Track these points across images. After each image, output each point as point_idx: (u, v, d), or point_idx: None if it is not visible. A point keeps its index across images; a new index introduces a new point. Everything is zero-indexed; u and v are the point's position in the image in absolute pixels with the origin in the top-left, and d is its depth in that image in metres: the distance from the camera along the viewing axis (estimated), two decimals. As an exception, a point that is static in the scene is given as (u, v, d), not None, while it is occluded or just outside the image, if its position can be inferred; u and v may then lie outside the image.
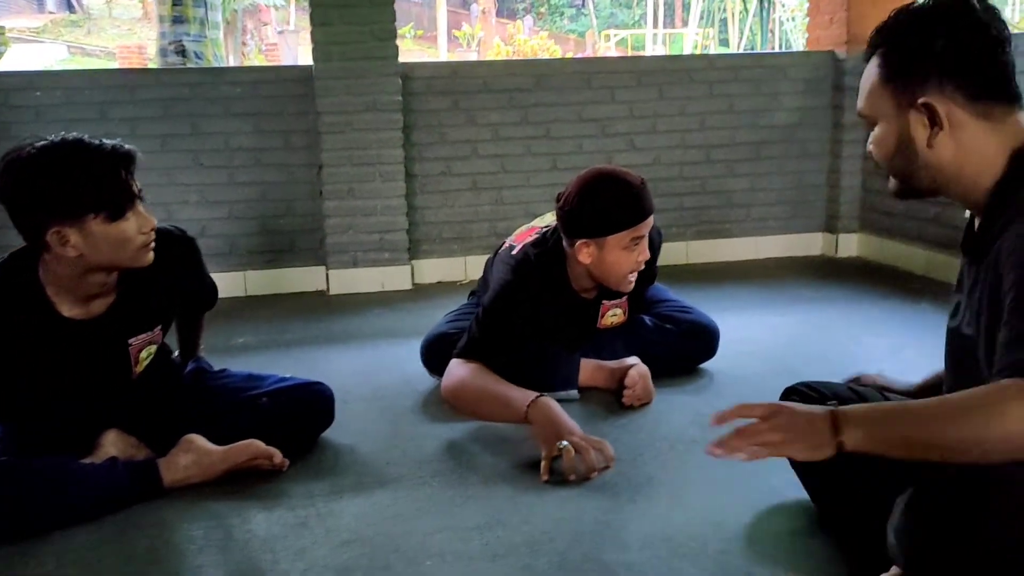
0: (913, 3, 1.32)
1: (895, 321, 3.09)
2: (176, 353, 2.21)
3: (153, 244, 1.83)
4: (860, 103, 1.38)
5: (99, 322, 1.88)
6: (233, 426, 1.99)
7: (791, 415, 1.21)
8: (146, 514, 1.81)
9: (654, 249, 2.47)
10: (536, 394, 2.04)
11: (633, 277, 2.36)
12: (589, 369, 2.45)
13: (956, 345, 1.37)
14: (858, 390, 1.67)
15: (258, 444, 1.94)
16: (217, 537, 1.72)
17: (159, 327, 2.00)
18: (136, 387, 1.98)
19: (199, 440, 1.93)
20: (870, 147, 1.40)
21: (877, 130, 1.36)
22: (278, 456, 1.95)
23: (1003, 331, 1.15)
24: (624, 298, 2.50)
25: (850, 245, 4.24)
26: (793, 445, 1.19)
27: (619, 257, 2.28)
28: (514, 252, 2.42)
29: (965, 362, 1.32)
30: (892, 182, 1.40)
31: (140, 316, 1.94)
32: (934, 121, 1.28)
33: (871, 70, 1.35)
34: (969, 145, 1.28)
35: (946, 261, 3.62)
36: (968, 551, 1.11)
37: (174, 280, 1.99)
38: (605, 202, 2.24)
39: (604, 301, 2.48)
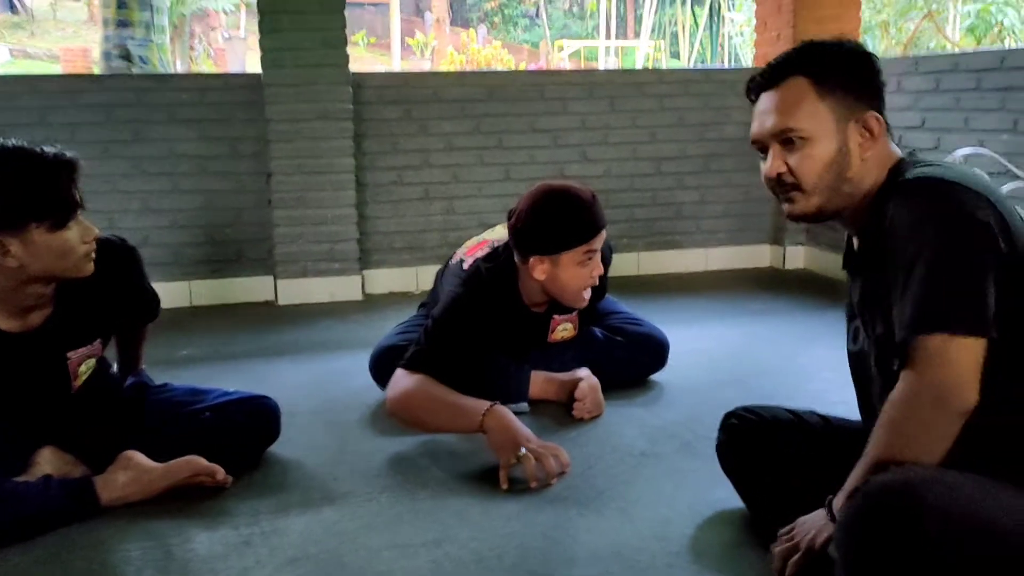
0: (810, 44, 1.45)
1: (838, 332, 3.12)
2: (115, 367, 2.15)
3: (94, 254, 1.78)
4: (787, 121, 1.40)
5: (36, 335, 1.82)
6: (174, 442, 1.94)
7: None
8: (82, 534, 1.75)
9: (605, 262, 2.48)
10: (490, 403, 2.04)
11: (587, 293, 2.36)
12: (539, 382, 2.45)
13: (863, 366, 1.46)
14: (796, 412, 1.71)
15: (200, 460, 1.90)
16: (156, 557, 1.67)
17: (99, 340, 1.94)
18: (75, 402, 1.92)
19: (138, 457, 1.88)
20: (783, 167, 1.41)
21: (809, 146, 1.38)
22: (221, 473, 1.91)
23: (901, 299, 1.26)
24: (575, 312, 2.49)
25: (796, 257, 4.31)
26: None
27: (574, 273, 2.28)
28: (465, 266, 2.41)
29: (872, 380, 1.43)
30: (803, 204, 1.42)
31: (79, 329, 1.89)
32: (872, 133, 1.39)
33: (799, 91, 1.40)
34: (878, 159, 1.40)
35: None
36: (906, 554, 1.12)
37: (115, 291, 1.94)
38: (558, 218, 2.23)
39: (555, 316, 2.47)
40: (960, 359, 1.22)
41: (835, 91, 1.39)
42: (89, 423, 1.94)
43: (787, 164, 1.41)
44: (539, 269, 2.27)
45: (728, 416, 1.76)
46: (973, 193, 1.27)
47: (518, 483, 1.93)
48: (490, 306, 2.32)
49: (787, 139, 1.40)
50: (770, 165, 1.43)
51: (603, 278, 2.54)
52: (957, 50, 8.66)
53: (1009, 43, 12.86)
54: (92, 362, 1.93)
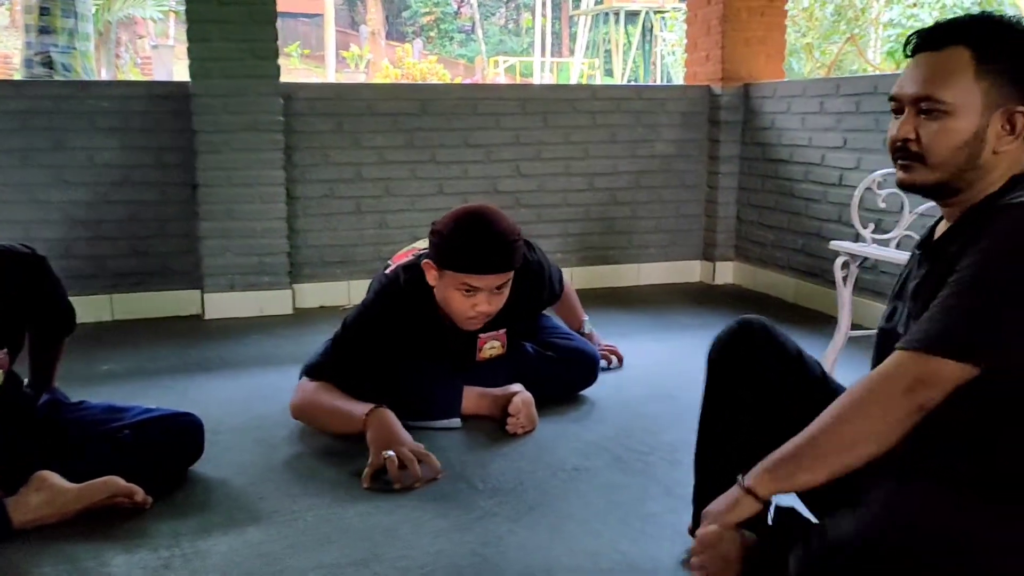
0: (994, 15, 1.36)
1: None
2: (27, 383, 2.06)
3: None
4: (933, 89, 1.33)
5: None
6: (91, 462, 1.87)
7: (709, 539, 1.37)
8: (-9, 559, 1.67)
9: (543, 285, 2.49)
10: (374, 405, 2.11)
11: (474, 322, 2.32)
12: (472, 397, 2.43)
13: (887, 345, 1.39)
14: (804, 353, 1.62)
15: (117, 481, 1.83)
16: (70, 583, 1.60)
17: (5, 350, 1.87)
18: None
19: (52, 477, 1.80)
20: (912, 134, 1.36)
21: (948, 121, 1.33)
22: (140, 493, 1.84)
23: (936, 303, 1.25)
24: (503, 331, 2.47)
25: (726, 273, 4.39)
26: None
27: (451, 294, 2.26)
28: (387, 272, 2.40)
29: None
30: (923, 174, 1.37)
31: None
32: (1012, 129, 1.33)
33: (958, 62, 1.32)
34: (1012, 157, 1.35)
35: (814, 290, 3.79)
36: (855, 563, 1.14)
37: (21, 300, 1.87)
38: (457, 236, 2.20)
39: (480, 334, 2.44)
40: (951, 377, 1.23)
41: (994, 74, 1.32)
42: (0, 442, 1.85)
43: (918, 132, 1.35)
44: (430, 274, 2.27)
45: (742, 319, 1.64)
46: None
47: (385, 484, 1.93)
48: (404, 315, 2.31)
49: (928, 108, 1.34)
50: (900, 129, 1.37)
51: (538, 298, 2.55)
52: (877, 72, 8.99)
53: None
54: (0, 373, 1.85)
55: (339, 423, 2.20)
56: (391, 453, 1.98)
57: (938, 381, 1.23)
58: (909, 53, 1.39)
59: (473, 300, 2.25)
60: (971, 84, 1.32)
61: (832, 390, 1.55)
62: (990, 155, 1.34)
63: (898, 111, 1.39)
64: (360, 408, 2.14)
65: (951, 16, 1.44)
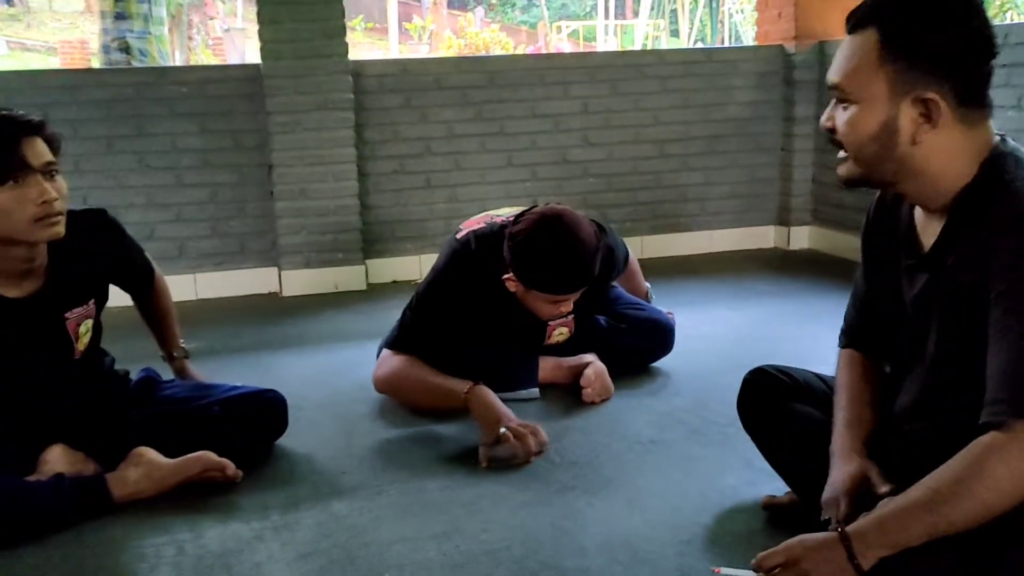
0: None
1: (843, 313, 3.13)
2: (119, 366, 2.14)
3: (57, 219, 1.79)
4: (840, 77, 1.26)
5: (34, 299, 1.86)
6: (184, 437, 1.95)
7: (810, 561, 1.18)
8: (95, 531, 1.76)
9: (614, 266, 2.47)
10: (471, 382, 2.09)
11: (557, 319, 2.34)
12: (548, 367, 2.45)
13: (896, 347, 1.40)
14: (823, 377, 1.65)
15: (210, 455, 1.90)
16: (169, 554, 1.68)
17: (92, 300, 1.98)
18: (80, 369, 1.94)
19: (149, 453, 1.89)
20: (830, 123, 1.29)
21: (855, 111, 1.25)
22: (231, 467, 1.91)
23: (998, 356, 1.17)
24: (571, 316, 2.41)
25: (802, 238, 4.29)
26: None
27: (538, 304, 2.24)
28: (458, 236, 2.35)
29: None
30: (847, 168, 1.31)
31: (72, 290, 1.93)
32: (928, 117, 1.22)
33: (865, 46, 1.23)
34: (943, 146, 1.24)
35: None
36: None
37: (100, 254, 1.99)
38: (538, 257, 2.12)
39: (549, 321, 2.42)
40: None
41: (899, 58, 1.21)
42: (98, 419, 1.95)
43: (834, 122, 1.29)
44: (512, 283, 2.22)
45: (756, 373, 1.66)
46: None
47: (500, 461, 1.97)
48: (476, 282, 2.26)
49: (840, 98, 1.27)
50: (823, 117, 1.32)
51: (608, 277, 2.52)
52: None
53: (1011, 18, 12.73)
54: (90, 323, 1.96)
55: (435, 398, 2.18)
56: (505, 429, 1.97)
57: None
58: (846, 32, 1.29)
59: (558, 306, 2.24)
60: (873, 71, 1.22)
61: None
62: (908, 146, 1.23)
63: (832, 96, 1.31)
64: (459, 385, 2.11)
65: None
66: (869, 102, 1.24)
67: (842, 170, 1.32)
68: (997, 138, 1.27)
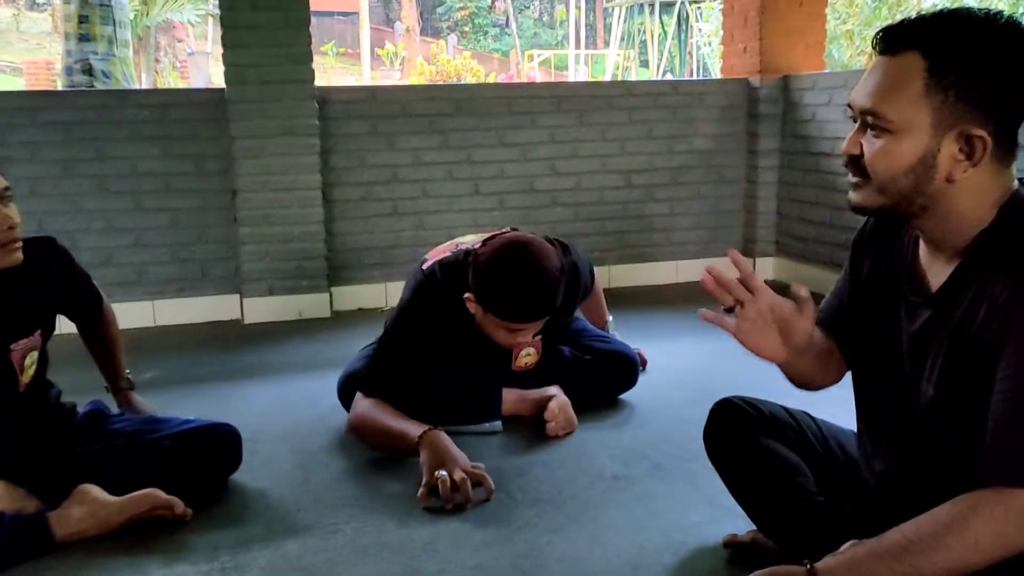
0: (963, 13, 1.15)
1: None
2: (65, 398, 2.08)
3: (18, 244, 1.77)
4: (875, 103, 1.16)
5: None
6: (133, 473, 1.88)
7: None
8: (35, 571, 1.69)
9: (579, 286, 2.46)
10: (429, 427, 2.06)
11: (516, 347, 2.32)
12: (512, 399, 2.42)
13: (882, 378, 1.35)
14: (791, 411, 1.64)
15: (157, 493, 1.84)
16: (112, 597, 1.61)
17: (38, 331, 1.91)
18: (24, 402, 1.87)
19: (94, 491, 1.82)
20: (856, 149, 1.20)
21: (890, 140, 1.16)
22: (180, 506, 1.85)
23: (997, 418, 1.13)
24: (538, 338, 2.41)
25: (766, 269, 4.31)
26: None
27: (494, 330, 2.23)
28: (424, 267, 2.35)
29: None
30: (867, 196, 1.22)
31: (18, 321, 1.86)
32: (970, 154, 1.14)
33: (908, 72, 1.14)
34: (976, 186, 1.17)
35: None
36: None
37: (49, 283, 1.95)
38: (500, 284, 2.13)
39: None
40: None
41: (949, 89, 1.12)
42: (42, 455, 1.88)
43: (862, 147, 1.19)
44: (472, 304, 2.21)
45: (723, 403, 1.63)
46: None
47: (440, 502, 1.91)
48: (443, 312, 2.26)
49: (872, 124, 1.17)
50: (847, 142, 1.21)
51: (574, 299, 2.51)
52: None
53: None
54: (35, 355, 1.90)
55: (392, 443, 2.14)
56: (443, 473, 1.93)
57: None
58: (876, 52, 1.20)
59: (516, 335, 2.23)
60: (920, 99, 1.13)
61: (828, 436, 1.60)
62: (943, 183, 1.16)
63: (855, 119, 1.22)
64: (414, 429, 2.07)
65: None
66: (908, 132, 1.15)
67: (858, 197, 1.23)
68: (1016, 182, 1.21)
